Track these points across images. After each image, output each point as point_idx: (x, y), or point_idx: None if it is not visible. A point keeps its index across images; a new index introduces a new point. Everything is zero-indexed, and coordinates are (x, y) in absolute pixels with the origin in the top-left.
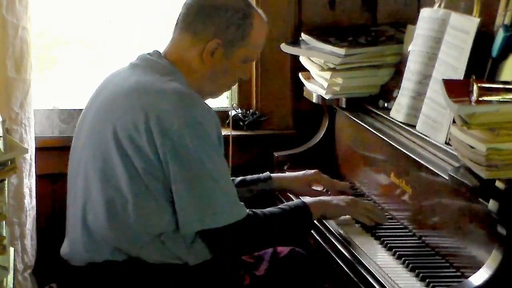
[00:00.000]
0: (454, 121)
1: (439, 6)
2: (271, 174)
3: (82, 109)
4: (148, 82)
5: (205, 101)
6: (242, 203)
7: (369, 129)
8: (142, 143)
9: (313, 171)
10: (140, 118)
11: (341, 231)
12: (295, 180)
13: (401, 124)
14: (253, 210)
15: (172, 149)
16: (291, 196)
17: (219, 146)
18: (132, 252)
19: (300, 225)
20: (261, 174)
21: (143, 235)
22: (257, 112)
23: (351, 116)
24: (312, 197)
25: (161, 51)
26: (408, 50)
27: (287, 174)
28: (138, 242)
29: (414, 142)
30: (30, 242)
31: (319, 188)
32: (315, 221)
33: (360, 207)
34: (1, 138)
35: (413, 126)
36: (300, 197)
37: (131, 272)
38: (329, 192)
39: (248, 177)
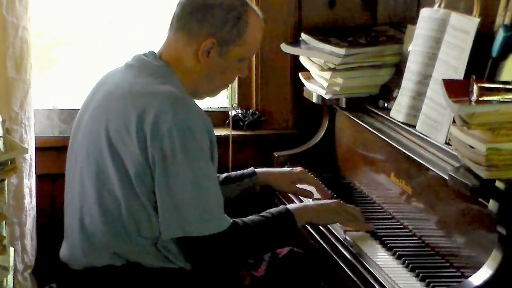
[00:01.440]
0: (454, 121)
1: (439, 6)
2: (256, 170)
3: None
4: (140, 84)
5: (203, 100)
6: (225, 214)
7: (369, 129)
8: (133, 146)
9: (299, 169)
10: (132, 121)
11: (341, 231)
12: (280, 176)
13: (401, 124)
14: (235, 219)
15: (160, 152)
16: (291, 196)
17: (208, 153)
18: (130, 256)
19: (284, 233)
20: (245, 170)
21: (139, 240)
22: (257, 112)
23: (351, 116)
24: (295, 195)
25: (157, 52)
26: (408, 50)
27: (272, 169)
28: (135, 247)
29: (414, 142)
30: (30, 242)
31: (303, 187)
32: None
33: (347, 212)
34: (1, 138)
35: (413, 126)
36: (284, 199)
37: (130, 276)
38: (314, 197)
39: (233, 173)
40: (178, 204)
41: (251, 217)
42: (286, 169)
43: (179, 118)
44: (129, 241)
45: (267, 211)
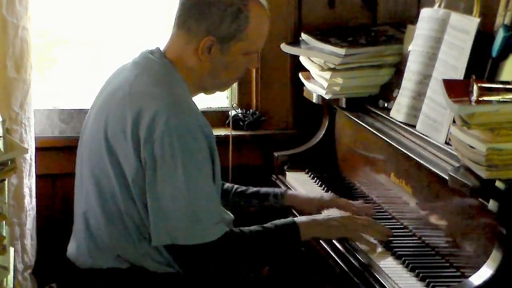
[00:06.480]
0: (454, 121)
1: (439, 6)
2: (288, 192)
3: (82, 109)
4: (140, 85)
5: (203, 100)
6: (221, 222)
7: (369, 129)
8: (129, 150)
9: (329, 195)
10: (128, 125)
11: None
12: (308, 202)
13: (401, 124)
14: (233, 228)
15: (150, 156)
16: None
17: (203, 160)
18: (134, 260)
19: (286, 246)
20: (276, 189)
21: (142, 244)
22: (257, 112)
23: (351, 116)
24: None
25: (162, 48)
26: (408, 50)
27: (302, 194)
28: (138, 251)
29: (414, 142)
30: (30, 242)
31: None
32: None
33: (358, 226)
34: (1, 138)
35: (413, 126)
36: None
37: (135, 280)
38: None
39: (263, 189)
40: (166, 211)
41: (252, 227)
42: (316, 195)
43: (171, 123)
44: (132, 244)
45: (272, 222)
